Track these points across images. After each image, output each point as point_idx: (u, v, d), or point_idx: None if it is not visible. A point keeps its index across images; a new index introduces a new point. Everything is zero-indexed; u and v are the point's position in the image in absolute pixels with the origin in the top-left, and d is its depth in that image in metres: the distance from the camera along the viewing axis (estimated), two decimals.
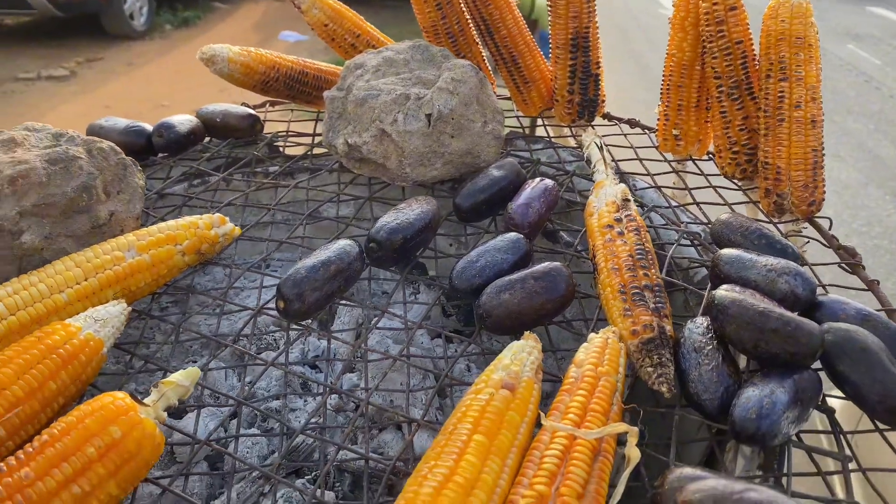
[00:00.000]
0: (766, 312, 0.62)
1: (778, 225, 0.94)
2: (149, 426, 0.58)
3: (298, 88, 1.15)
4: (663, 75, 1.06)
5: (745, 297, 0.65)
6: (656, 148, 1.12)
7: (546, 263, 0.74)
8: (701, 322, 0.68)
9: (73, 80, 5.43)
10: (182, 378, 0.63)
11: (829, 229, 0.92)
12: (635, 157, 1.09)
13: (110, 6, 6.10)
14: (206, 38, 6.67)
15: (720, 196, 0.99)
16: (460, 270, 0.77)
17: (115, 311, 0.71)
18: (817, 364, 0.63)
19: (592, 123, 1.15)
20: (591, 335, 0.67)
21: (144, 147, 1.03)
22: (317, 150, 1.11)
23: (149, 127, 1.05)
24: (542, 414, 0.59)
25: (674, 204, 0.97)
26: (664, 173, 1.05)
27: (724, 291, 0.66)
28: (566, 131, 1.19)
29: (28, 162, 0.77)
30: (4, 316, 0.69)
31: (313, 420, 0.71)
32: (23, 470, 0.52)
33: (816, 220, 0.94)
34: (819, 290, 0.76)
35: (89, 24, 6.28)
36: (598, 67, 1.11)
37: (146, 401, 0.60)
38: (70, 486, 0.53)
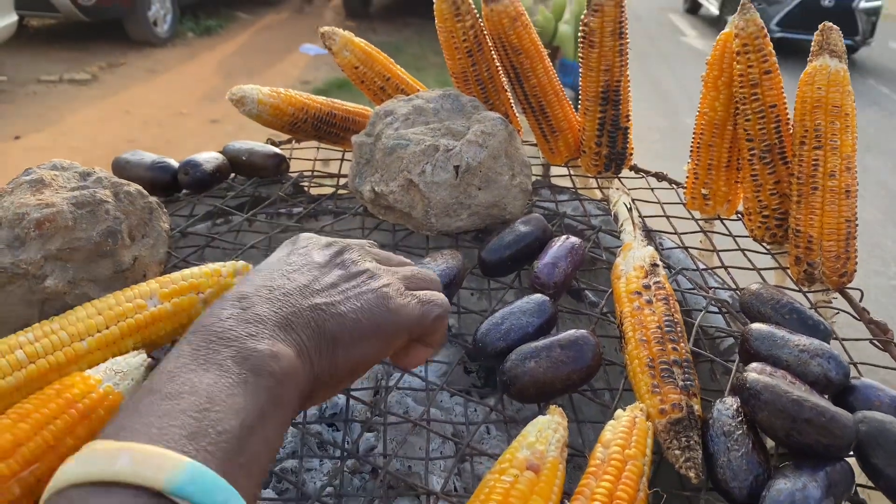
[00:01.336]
0: (800, 401, 0.61)
1: (807, 294, 0.93)
2: None
3: (326, 130, 1.15)
4: (694, 133, 1.05)
5: (779, 383, 0.63)
6: (683, 205, 1.10)
7: (573, 331, 0.73)
8: (731, 404, 0.66)
9: (95, 84, 5.48)
10: None
11: (861, 301, 0.90)
12: (662, 213, 1.07)
13: (134, 12, 6.17)
14: (227, 47, 6.73)
15: (749, 260, 0.97)
16: (484, 333, 0.76)
17: (134, 363, 0.70)
18: None
19: (619, 175, 1.14)
20: (619, 412, 0.66)
21: (169, 184, 1.03)
22: (342, 192, 1.10)
23: (174, 163, 1.04)
24: (566, 502, 0.57)
25: (701, 266, 0.95)
26: (691, 232, 1.04)
27: (757, 374, 0.64)
28: (592, 182, 1.18)
29: (55, 205, 0.77)
30: (24, 364, 0.68)
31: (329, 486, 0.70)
32: None
33: (847, 290, 0.92)
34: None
35: (113, 29, 6.36)
36: (628, 120, 1.10)
37: None
38: None
